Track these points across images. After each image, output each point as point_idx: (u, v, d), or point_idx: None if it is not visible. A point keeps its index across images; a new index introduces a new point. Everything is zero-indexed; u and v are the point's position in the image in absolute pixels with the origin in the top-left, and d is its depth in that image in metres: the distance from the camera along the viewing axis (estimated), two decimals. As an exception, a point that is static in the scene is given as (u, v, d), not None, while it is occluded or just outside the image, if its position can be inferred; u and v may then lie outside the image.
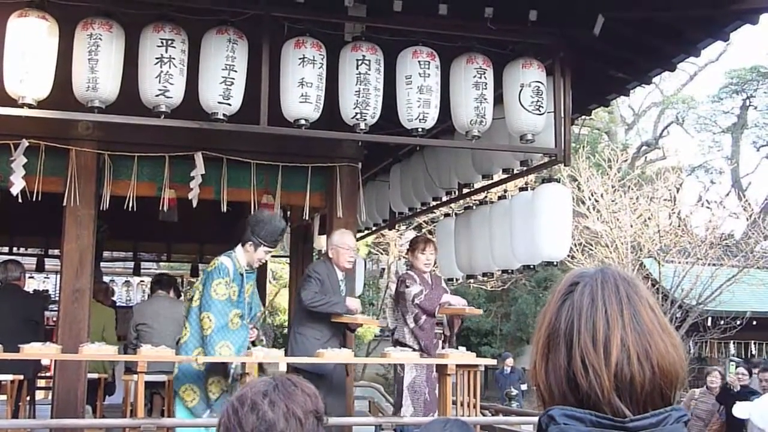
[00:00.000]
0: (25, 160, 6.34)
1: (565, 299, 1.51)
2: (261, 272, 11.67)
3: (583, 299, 1.48)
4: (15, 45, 5.31)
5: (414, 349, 6.87)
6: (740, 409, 6.71)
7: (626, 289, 1.49)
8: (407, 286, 7.10)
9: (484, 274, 8.49)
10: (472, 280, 11.32)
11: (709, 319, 20.01)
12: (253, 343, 6.14)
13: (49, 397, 7.92)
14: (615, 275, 1.52)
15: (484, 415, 6.87)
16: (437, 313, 7.14)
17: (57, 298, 7.37)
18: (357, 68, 5.90)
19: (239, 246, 6.06)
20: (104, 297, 9.64)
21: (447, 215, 9.07)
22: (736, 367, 12.03)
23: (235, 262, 5.99)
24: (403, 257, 23.48)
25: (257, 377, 1.84)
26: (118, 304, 13.11)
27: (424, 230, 18.47)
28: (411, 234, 20.50)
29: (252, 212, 6.43)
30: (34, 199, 6.40)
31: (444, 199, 9.06)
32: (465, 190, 8.59)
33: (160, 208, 6.91)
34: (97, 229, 6.94)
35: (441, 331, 7.14)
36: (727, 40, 6.60)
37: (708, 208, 22.10)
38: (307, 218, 8.11)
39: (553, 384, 1.47)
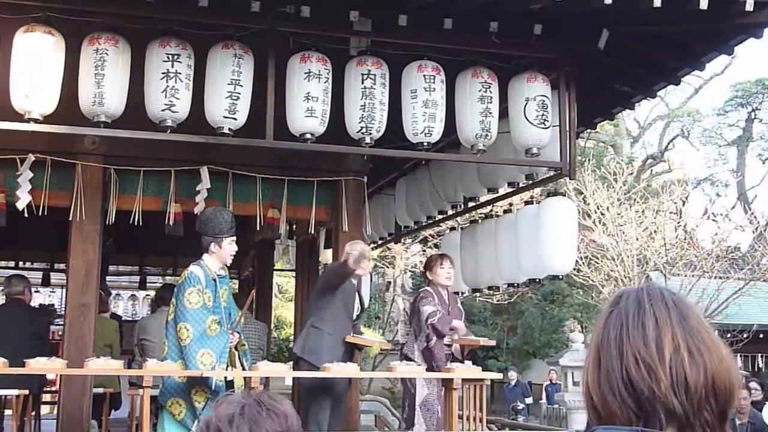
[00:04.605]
0: (32, 175, 6.37)
1: (611, 311, 1.51)
2: (266, 285, 11.72)
3: (629, 305, 1.49)
4: (21, 60, 5.33)
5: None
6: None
7: (672, 298, 1.50)
8: (423, 304, 7.06)
9: (489, 288, 8.47)
10: (477, 294, 11.30)
11: (716, 332, 19.91)
12: (236, 348, 6.13)
13: (55, 412, 7.90)
14: (660, 287, 1.53)
15: (490, 429, 6.83)
16: (452, 343, 7.07)
17: (62, 313, 7.36)
18: (362, 82, 5.92)
19: (205, 254, 6.03)
20: (102, 306, 9.53)
21: (452, 229, 9.07)
22: (746, 381, 11.91)
23: (205, 269, 5.93)
24: (409, 270, 23.47)
25: (226, 398, 1.78)
26: (123, 318, 13.08)
27: (429, 244, 18.44)
28: (417, 247, 20.51)
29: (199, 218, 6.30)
30: (40, 213, 6.41)
31: (449, 212, 9.05)
32: (470, 204, 8.59)
33: (166, 223, 6.92)
34: (103, 244, 6.95)
35: (450, 352, 7.09)
36: (732, 53, 6.61)
37: (714, 221, 22.05)
38: (312, 232, 8.11)
39: (607, 391, 1.44)
